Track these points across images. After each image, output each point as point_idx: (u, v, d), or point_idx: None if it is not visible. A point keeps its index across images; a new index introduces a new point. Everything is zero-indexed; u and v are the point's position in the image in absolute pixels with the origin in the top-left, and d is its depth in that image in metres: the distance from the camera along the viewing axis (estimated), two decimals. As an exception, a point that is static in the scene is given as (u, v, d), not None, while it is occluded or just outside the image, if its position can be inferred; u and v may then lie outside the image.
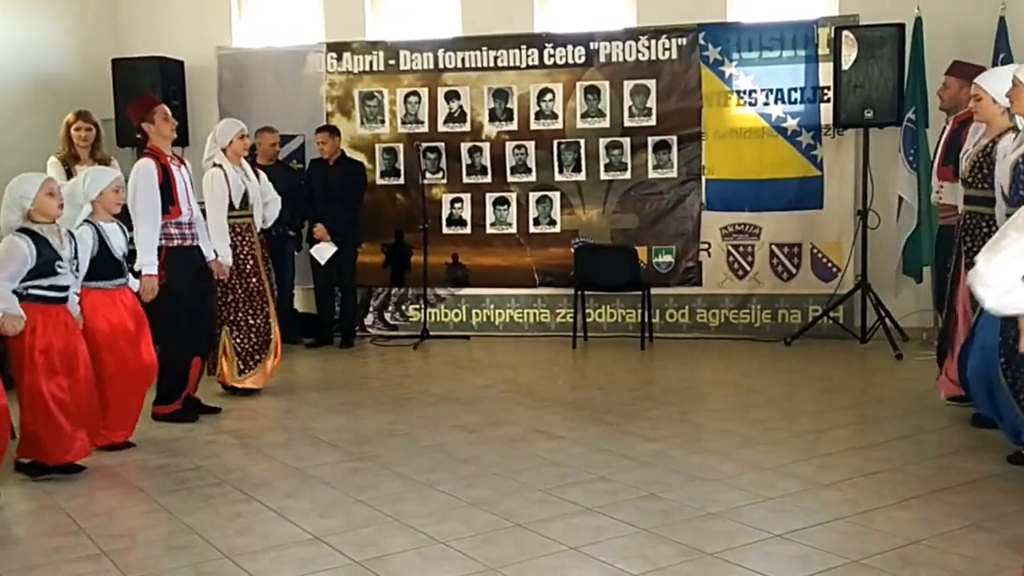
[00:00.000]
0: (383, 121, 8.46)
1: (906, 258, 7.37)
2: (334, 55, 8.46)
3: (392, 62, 8.39)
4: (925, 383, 6.06)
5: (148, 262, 5.28)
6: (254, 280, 6.14)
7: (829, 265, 7.81)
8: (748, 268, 7.96)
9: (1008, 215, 4.41)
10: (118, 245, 4.96)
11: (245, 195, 6.10)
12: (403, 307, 8.48)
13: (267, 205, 6.33)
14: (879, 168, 7.42)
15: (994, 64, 6.56)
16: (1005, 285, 2.56)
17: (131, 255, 5.22)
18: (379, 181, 8.46)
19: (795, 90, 7.75)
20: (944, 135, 6.04)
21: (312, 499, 4.22)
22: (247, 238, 6.13)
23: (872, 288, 7.41)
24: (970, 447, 4.76)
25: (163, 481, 4.56)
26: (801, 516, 3.88)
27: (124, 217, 5.23)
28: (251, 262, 6.13)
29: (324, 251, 7.86)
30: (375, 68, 8.42)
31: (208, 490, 4.38)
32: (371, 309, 8.49)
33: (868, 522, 3.80)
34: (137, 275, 5.24)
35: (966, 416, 5.30)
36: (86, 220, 4.89)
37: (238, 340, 6.11)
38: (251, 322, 6.13)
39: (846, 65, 7.24)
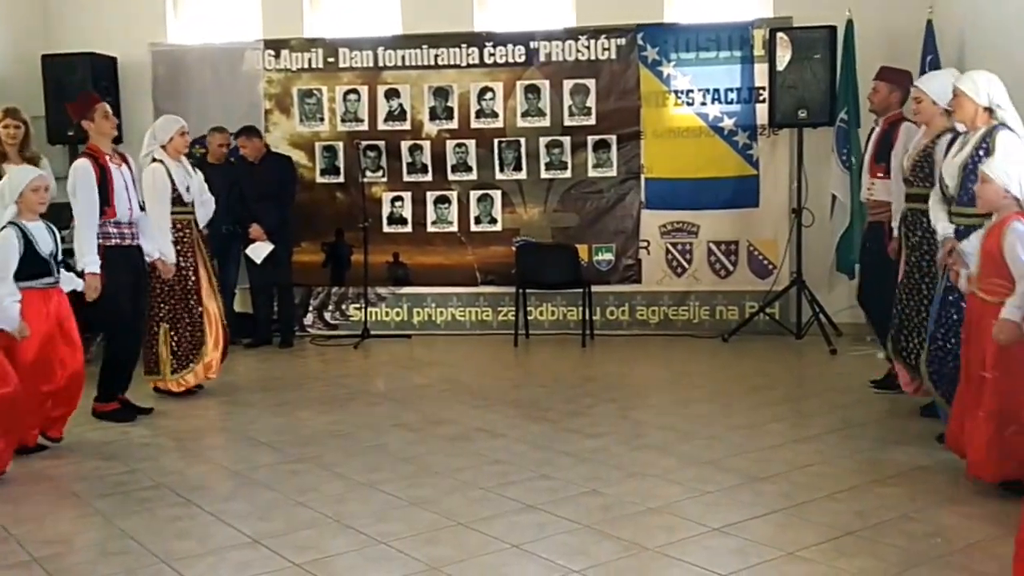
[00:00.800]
0: (322, 119, 8.40)
1: (839, 255, 7.53)
2: (272, 52, 8.37)
3: (331, 60, 8.33)
4: (858, 377, 6.21)
5: (90, 261, 5.22)
6: (193, 278, 6.07)
7: (765, 262, 7.95)
8: (686, 265, 8.07)
9: (952, 213, 4.58)
10: (45, 245, 4.85)
11: (187, 191, 6.04)
12: (343, 306, 8.43)
13: (202, 204, 6.25)
14: (813, 167, 7.57)
15: (922, 66, 6.73)
16: None
17: (69, 253, 5.13)
18: (319, 179, 8.39)
19: (731, 90, 7.88)
20: (874, 135, 6.19)
21: (251, 502, 4.18)
22: (188, 234, 6.06)
23: (807, 285, 7.56)
24: (900, 440, 4.88)
25: (97, 485, 4.47)
26: (738, 509, 3.95)
27: (60, 216, 5.14)
28: (191, 259, 6.06)
29: (259, 250, 7.77)
30: (314, 66, 8.36)
31: (144, 493, 4.31)
32: (311, 309, 8.43)
33: (803, 514, 3.88)
34: (81, 275, 5.16)
35: (895, 409, 5.45)
36: (10, 221, 4.78)
37: (175, 339, 6.03)
38: (187, 320, 6.06)
39: (780, 66, 7.38)
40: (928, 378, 4.80)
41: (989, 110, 4.48)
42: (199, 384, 6.25)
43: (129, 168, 5.58)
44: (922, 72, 6.69)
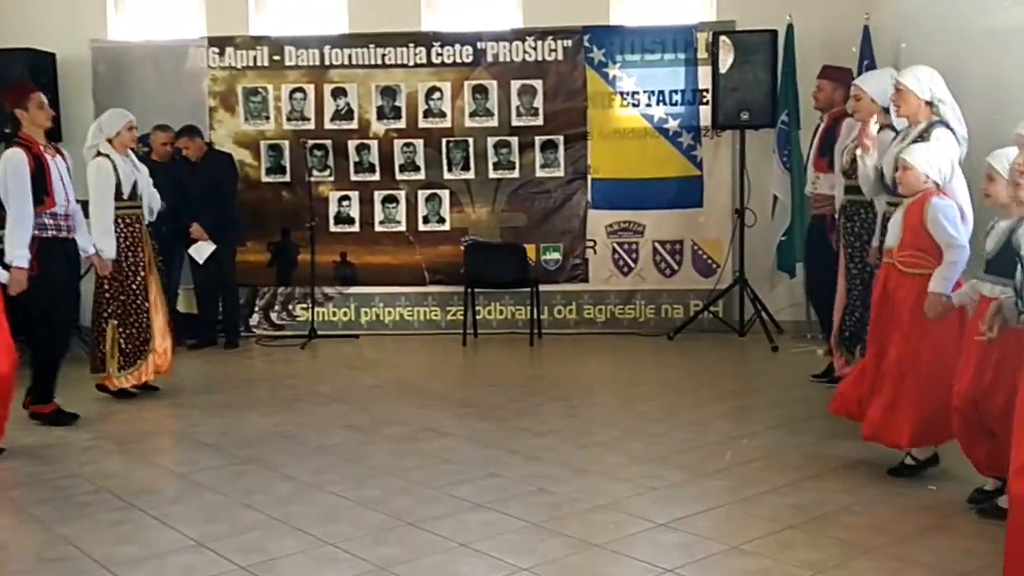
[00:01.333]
0: (268, 117, 8.32)
1: (780, 254, 7.67)
2: (216, 50, 8.28)
3: (277, 58, 8.26)
4: (799, 374, 6.33)
5: (18, 255, 5.07)
6: (141, 274, 5.98)
7: (709, 261, 8.06)
8: (632, 265, 8.15)
9: (890, 204, 4.70)
10: None
11: (134, 186, 5.94)
12: (290, 307, 8.36)
13: (149, 198, 6.15)
14: (755, 168, 7.70)
15: (859, 69, 6.88)
16: None
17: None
18: (264, 178, 8.32)
19: (676, 92, 7.98)
20: (819, 130, 6.34)
21: (196, 504, 4.14)
22: (135, 230, 5.96)
23: (749, 283, 7.68)
24: (840, 434, 4.96)
25: (36, 490, 4.39)
26: (684, 505, 4.01)
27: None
28: (139, 255, 5.97)
29: (202, 250, 7.67)
30: (259, 64, 8.28)
31: (85, 498, 4.24)
32: (256, 309, 8.35)
33: (747, 509, 3.95)
34: (8, 268, 5.04)
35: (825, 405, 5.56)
36: None
37: (123, 336, 5.94)
38: (134, 317, 5.97)
39: (723, 69, 7.48)
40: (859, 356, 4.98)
41: (931, 104, 4.62)
42: (154, 385, 6.15)
43: (64, 159, 5.45)
44: (860, 75, 6.86)
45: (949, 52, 5.64)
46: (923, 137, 4.57)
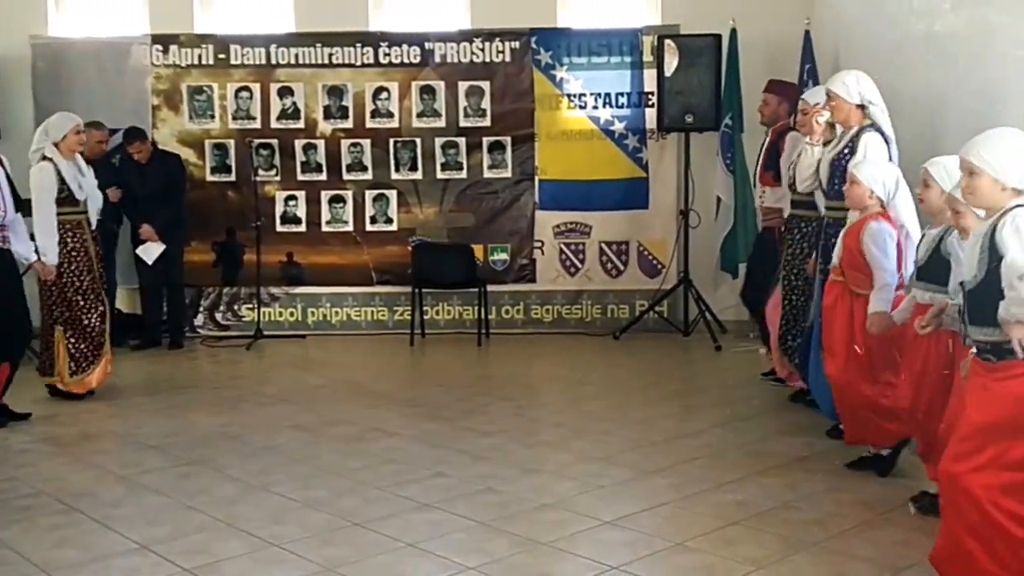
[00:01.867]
0: (213, 116, 8.23)
1: (724, 255, 7.78)
2: (160, 48, 8.16)
3: (222, 56, 8.18)
4: (742, 373, 6.44)
5: None
6: (88, 278, 5.89)
7: (654, 262, 8.16)
8: (579, 265, 8.21)
9: (828, 207, 4.81)
10: None
11: (80, 190, 5.85)
12: (235, 307, 8.28)
13: (92, 200, 6.08)
14: (699, 170, 7.80)
15: (801, 73, 7.02)
16: None
17: None
18: (209, 178, 8.22)
19: (622, 95, 8.05)
20: (764, 145, 6.40)
21: (139, 507, 4.10)
22: (80, 234, 5.87)
23: (693, 284, 7.79)
24: (781, 432, 5.09)
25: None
26: (630, 503, 4.06)
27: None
28: (85, 259, 5.88)
29: (151, 250, 7.57)
30: (204, 62, 8.18)
31: (23, 501, 4.18)
32: (202, 309, 8.25)
33: (691, 506, 4.02)
34: None
35: (778, 402, 5.68)
36: None
37: (72, 340, 5.84)
38: (85, 321, 5.88)
39: (668, 72, 7.56)
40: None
41: (862, 107, 4.74)
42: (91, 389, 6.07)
43: (2, 167, 5.35)
44: (801, 79, 7.00)
45: (889, 58, 5.78)
46: (853, 143, 4.69)
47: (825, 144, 5.06)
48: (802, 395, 5.49)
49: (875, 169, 4.33)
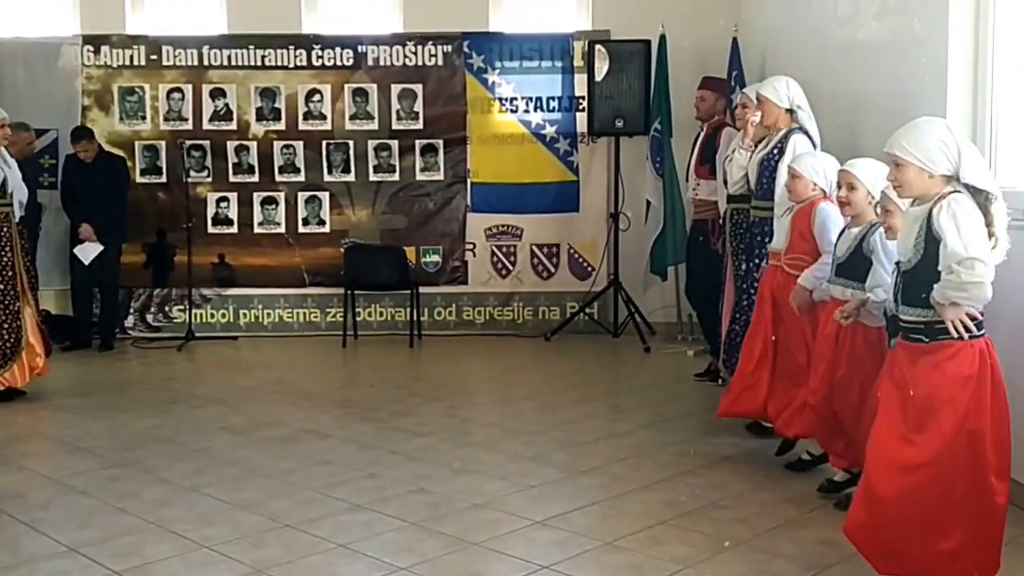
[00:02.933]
0: (144, 117, 8.15)
1: (653, 258, 7.91)
2: (91, 48, 8.05)
3: (154, 57, 8.09)
4: (670, 374, 6.57)
5: None
6: (9, 273, 5.79)
7: (585, 265, 8.28)
8: (511, 267, 8.30)
9: (754, 207, 5.00)
10: None
11: (4, 183, 5.76)
12: (166, 308, 8.20)
13: (18, 191, 5.99)
14: (629, 174, 7.94)
15: (729, 79, 7.19)
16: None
17: None
18: (139, 179, 8.13)
19: (553, 99, 8.16)
20: (700, 139, 6.58)
21: (68, 509, 4.06)
22: (4, 229, 5.77)
23: (623, 286, 7.92)
24: (709, 432, 5.18)
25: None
26: (560, 502, 4.11)
27: None
28: (8, 254, 5.77)
29: (89, 251, 7.46)
30: (136, 63, 8.09)
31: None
32: (132, 310, 8.15)
33: (620, 505, 4.09)
34: None
35: (705, 403, 5.79)
36: None
37: None
38: (3, 316, 5.77)
39: (599, 77, 7.68)
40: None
41: (791, 111, 4.94)
42: (21, 390, 5.95)
43: None
44: (729, 85, 7.17)
45: (812, 64, 5.94)
46: (782, 144, 4.86)
47: (756, 145, 5.22)
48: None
49: (815, 160, 4.47)
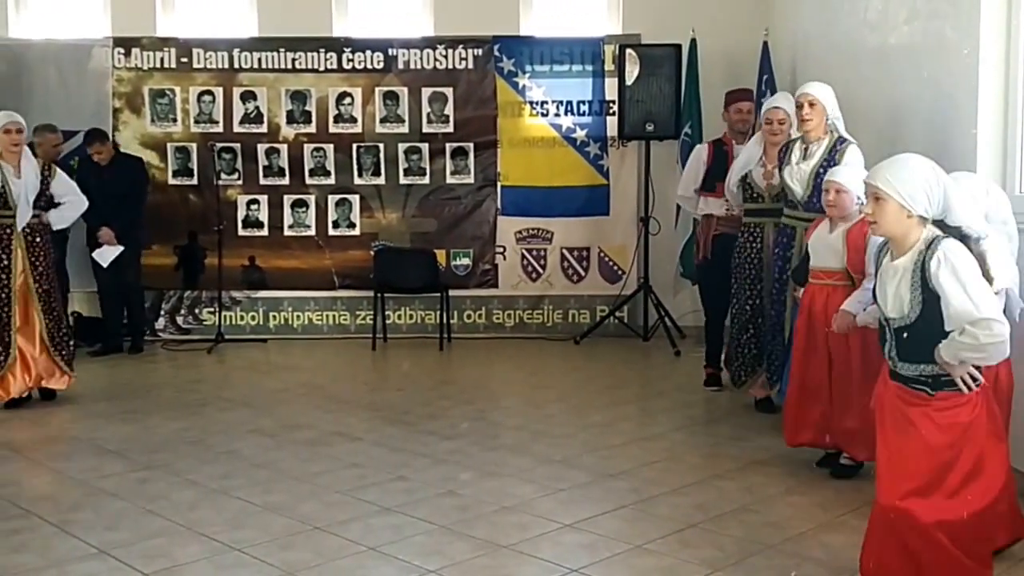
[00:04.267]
0: (175, 120, 8.20)
1: (683, 262, 7.86)
2: (122, 50, 8.12)
3: (184, 60, 8.15)
4: (700, 377, 6.50)
5: None
6: (4, 280, 5.70)
7: (615, 268, 8.24)
8: (541, 271, 8.28)
9: (792, 216, 4.89)
10: None
11: (5, 194, 5.65)
12: (196, 310, 8.24)
13: (64, 206, 5.98)
14: (659, 178, 7.89)
15: (759, 83, 7.13)
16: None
17: None
18: (171, 181, 8.19)
19: (583, 103, 8.14)
20: (727, 153, 6.10)
21: (97, 511, 4.06)
22: (4, 237, 5.69)
23: (653, 289, 7.87)
24: (739, 436, 5.15)
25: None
26: (589, 506, 4.09)
27: None
28: (4, 262, 5.70)
29: (107, 254, 7.47)
30: (166, 65, 8.15)
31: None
32: (163, 313, 8.20)
33: (649, 509, 4.05)
34: None
35: (735, 406, 5.75)
36: None
37: None
38: None
39: (629, 81, 7.65)
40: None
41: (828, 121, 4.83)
42: (27, 394, 5.90)
43: None
44: (759, 89, 7.11)
45: (844, 69, 5.89)
46: (832, 154, 4.71)
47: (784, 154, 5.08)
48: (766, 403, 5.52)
49: (857, 177, 4.23)
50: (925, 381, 2.97)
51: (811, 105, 4.84)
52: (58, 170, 6.04)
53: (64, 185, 6.01)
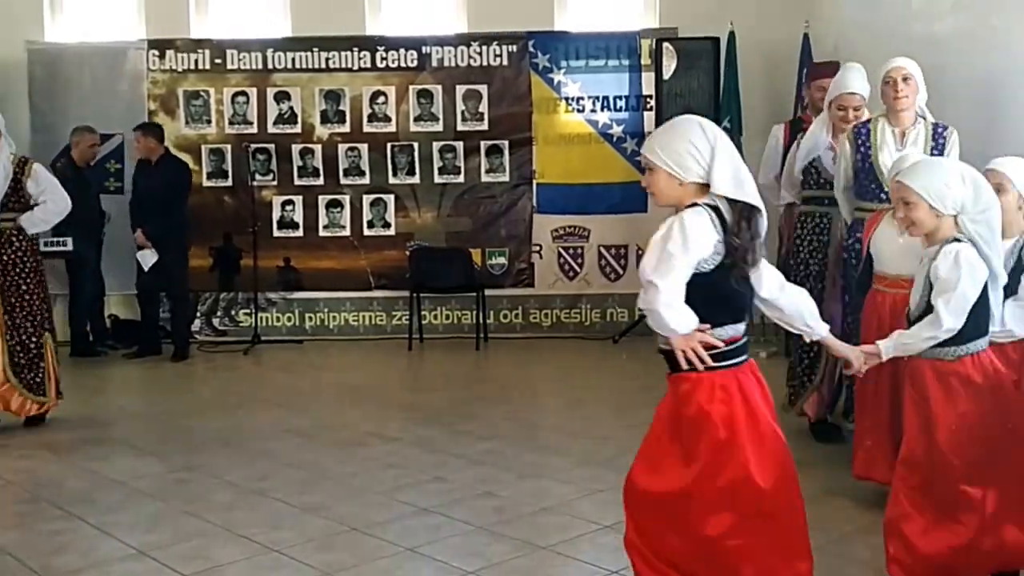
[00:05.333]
0: (209, 121, 8.23)
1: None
2: (156, 52, 8.16)
3: (218, 61, 8.18)
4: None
5: None
6: None
7: (654, 266, 8.13)
8: (578, 269, 8.21)
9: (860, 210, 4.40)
10: None
11: None
12: (232, 312, 8.27)
13: (36, 208, 5.40)
14: (697, 172, 7.76)
15: (799, 76, 7.02)
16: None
17: None
18: (205, 183, 8.21)
19: (620, 98, 8.05)
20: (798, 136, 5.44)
21: (136, 512, 4.08)
22: None
23: (693, 287, 7.75)
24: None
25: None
26: (629, 507, 4.05)
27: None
28: None
29: (147, 258, 7.47)
30: (200, 67, 8.18)
31: (21, 507, 4.17)
32: (199, 315, 8.23)
33: (690, 510, 4.00)
34: None
35: (775, 405, 5.62)
36: None
37: None
38: None
39: (667, 75, 7.56)
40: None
41: None
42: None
43: None
44: (799, 82, 7.00)
45: (886, 61, 5.75)
46: (939, 142, 4.26)
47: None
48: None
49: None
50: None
51: (905, 80, 4.26)
52: (37, 167, 5.48)
53: (43, 183, 5.42)
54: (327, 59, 8.16)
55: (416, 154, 8.17)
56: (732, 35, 7.64)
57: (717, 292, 2.69)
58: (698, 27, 7.68)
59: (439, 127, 8.15)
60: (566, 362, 7.35)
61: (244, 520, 3.95)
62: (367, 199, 8.24)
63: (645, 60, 7.96)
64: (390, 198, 8.24)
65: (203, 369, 7.39)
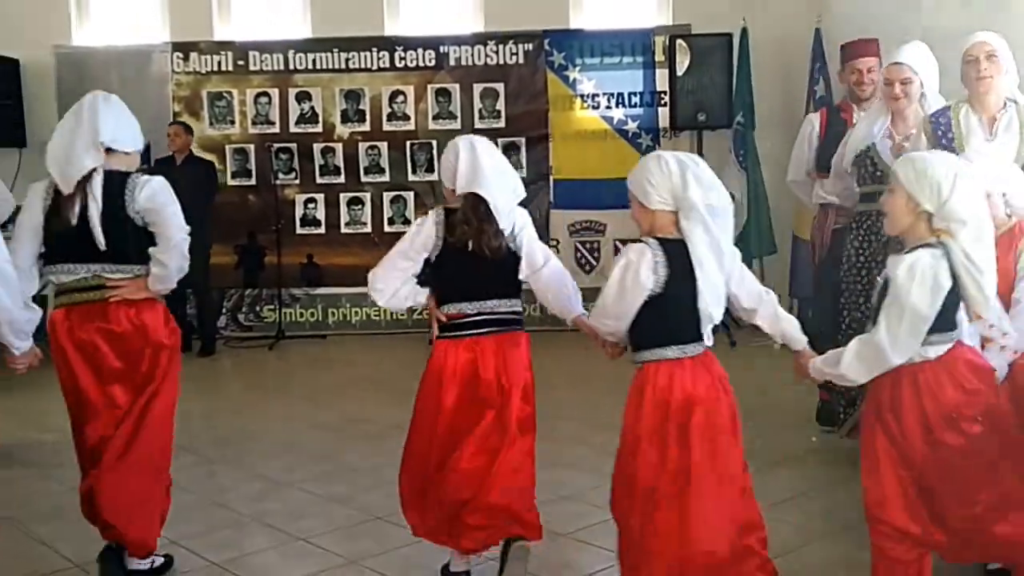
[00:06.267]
0: (233, 122, 8.37)
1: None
2: (180, 55, 8.31)
3: (241, 63, 8.32)
4: (756, 367, 6.46)
5: None
6: None
7: (670, 260, 8.20)
8: (595, 263, 8.30)
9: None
10: None
11: None
12: (257, 308, 8.42)
13: None
14: (712, 168, 7.80)
15: (811, 72, 7.05)
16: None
17: None
18: (230, 182, 8.36)
19: (634, 94, 8.14)
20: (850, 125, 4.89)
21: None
22: None
23: (708, 280, 7.81)
24: (793, 424, 5.12)
25: (3, 492, 4.43)
26: (646, 496, 4.12)
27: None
28: None
29: None
30: (223, 68, 8.33)
31: (57, 499, 4.25)
32: (224, 311, 8.39)
33: (705, 498, 4.08)
34: None
35: (789, 396, 5.69)
36: None
37: None
38: None
39: (680, 71, 7.63)
40: None
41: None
42: None
43: None
44: (812, 78, 7.03)
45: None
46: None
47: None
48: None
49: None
50: None
51: (989, 58, 3.69)
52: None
53: None
54: (347, 60, 8.28)
55: (435, 152, 8.28)
56: (745, 31, 7.69)
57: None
58: (711, 24, 7.73)
59: (457, 125, 8.25)
60: (583, 354, 7.38)
61: (272, 510, 4.06)
62: (387, 196, 8.36)
63: (659, 57, 8.03)
64: (410, 195, 8.35)
65: (229, 364, 7.53)
